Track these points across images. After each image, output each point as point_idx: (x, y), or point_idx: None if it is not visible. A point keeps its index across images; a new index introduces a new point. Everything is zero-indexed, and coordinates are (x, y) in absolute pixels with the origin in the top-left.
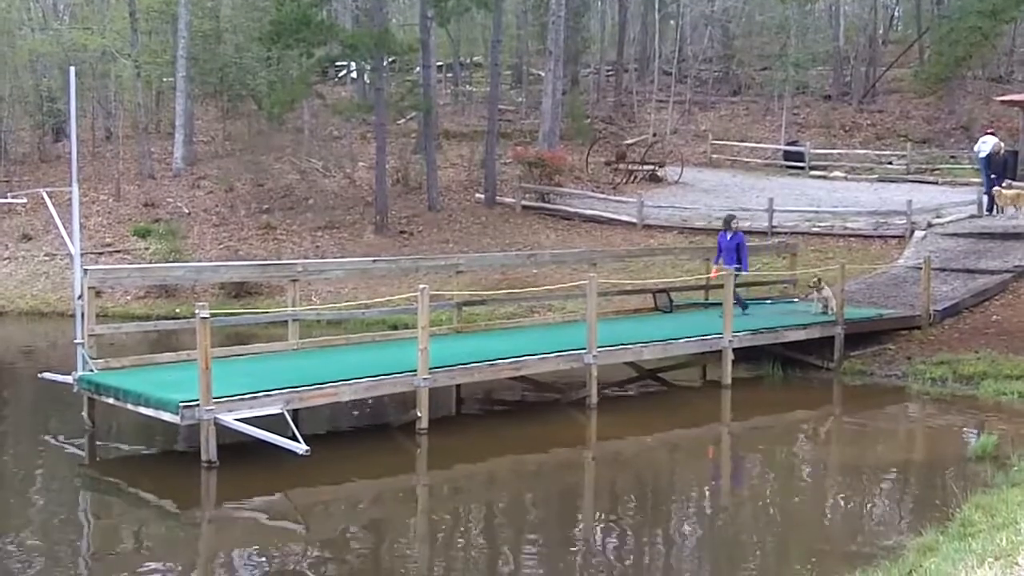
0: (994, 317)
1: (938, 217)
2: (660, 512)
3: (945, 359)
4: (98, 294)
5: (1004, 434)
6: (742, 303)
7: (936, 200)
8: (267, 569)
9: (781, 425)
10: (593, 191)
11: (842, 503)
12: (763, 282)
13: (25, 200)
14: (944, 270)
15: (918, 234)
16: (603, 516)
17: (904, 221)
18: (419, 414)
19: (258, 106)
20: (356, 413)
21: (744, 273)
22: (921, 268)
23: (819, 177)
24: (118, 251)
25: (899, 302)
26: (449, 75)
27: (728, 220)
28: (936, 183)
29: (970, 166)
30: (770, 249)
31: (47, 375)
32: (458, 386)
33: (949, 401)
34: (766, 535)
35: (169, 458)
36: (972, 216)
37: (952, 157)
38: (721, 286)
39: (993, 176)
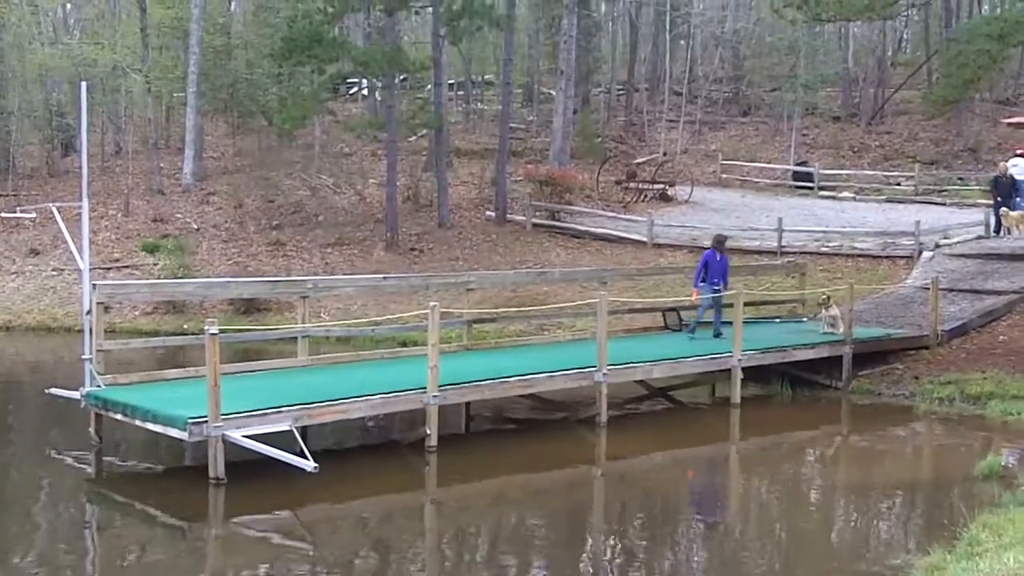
0: (1001, 337)
1: (946, 238)
2: (668, 531)
3: (952, 379)
4: (106, 309)
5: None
6: (692, 327)
7: (944, 221)
8: None
9: (789, 444)
10: (603, 210)
11: (850, 522)
12: (772, 301)
13: (34, 214)
14: (952, 290)
15: (926, 255)
16: (612, 535)
17: (912, 242)
18: (428, 431)
19: (268, 122)
20: (365, 430)
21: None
22: (929, 288)
23: (828, 197)
24: (126, 266)
25: (907, 322)
26: (460, 93)
27: (723, 240)
28: (944, 204)
29: (978, 187)
30: (779, 269)
31: (54, 390)
32: (468, 403)
33: (956, 421)
34: (774, 554)
35: (176, 474)
36: (980, 237)
37: (960, 178)
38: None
39: (999, 199)
